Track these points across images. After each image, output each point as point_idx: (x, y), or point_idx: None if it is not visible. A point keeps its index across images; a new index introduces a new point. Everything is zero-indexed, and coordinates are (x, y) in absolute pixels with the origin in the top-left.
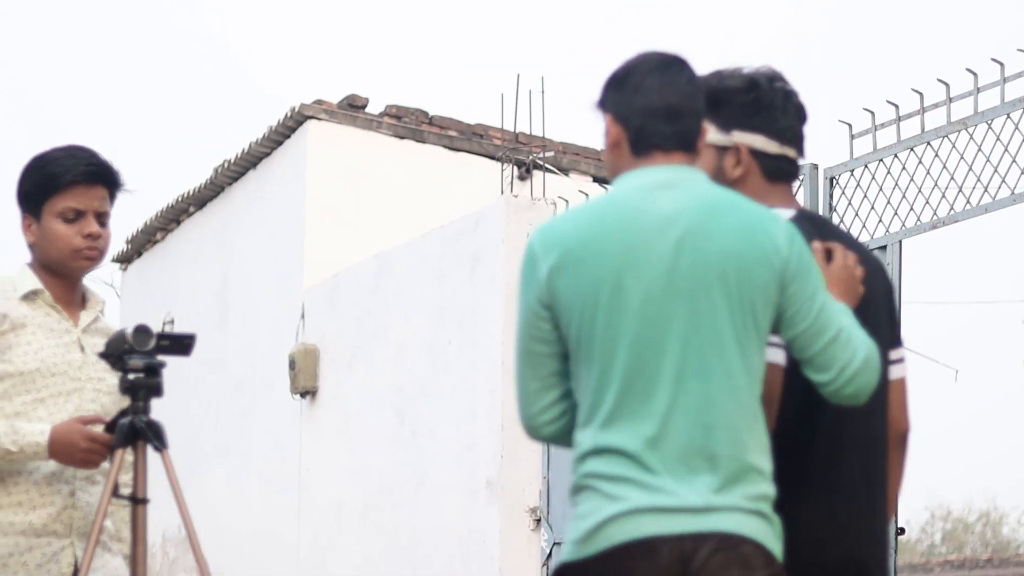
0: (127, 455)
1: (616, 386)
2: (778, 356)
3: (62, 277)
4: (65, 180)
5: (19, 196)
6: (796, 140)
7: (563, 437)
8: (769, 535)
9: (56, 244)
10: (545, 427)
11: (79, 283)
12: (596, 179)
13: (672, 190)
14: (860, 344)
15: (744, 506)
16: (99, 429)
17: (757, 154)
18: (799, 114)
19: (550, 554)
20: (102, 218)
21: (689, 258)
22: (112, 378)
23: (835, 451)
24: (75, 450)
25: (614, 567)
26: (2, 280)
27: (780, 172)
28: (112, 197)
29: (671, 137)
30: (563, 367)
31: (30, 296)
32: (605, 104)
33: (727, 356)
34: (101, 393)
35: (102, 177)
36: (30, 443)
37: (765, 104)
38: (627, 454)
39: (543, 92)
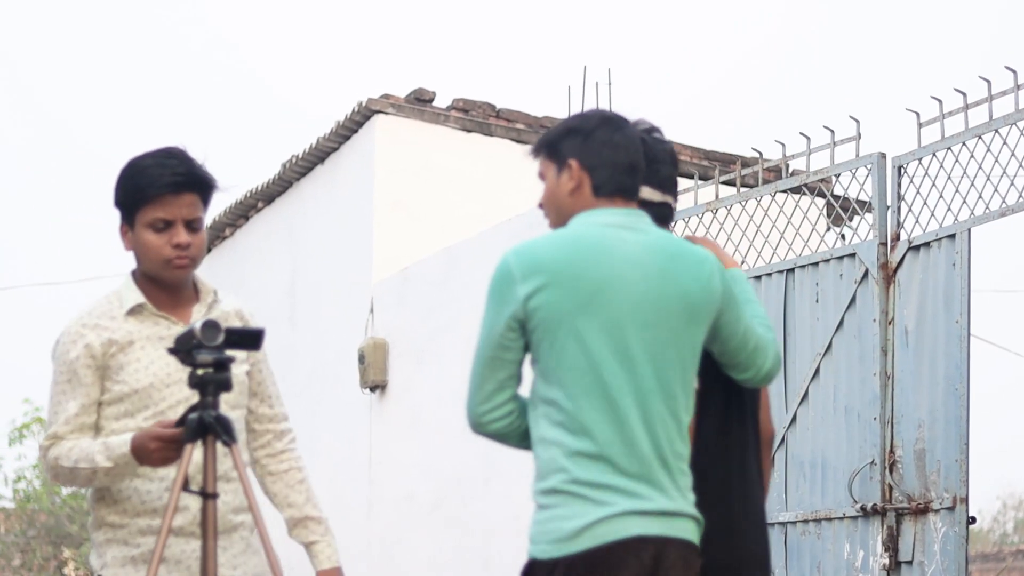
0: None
1: (593, 399)
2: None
3: (162, 282)
4: (152, 192)
5: (115, 204)
6: (673, 186)
7: (508, 434)
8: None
9: (148, 254)
10: (492, 423)
11: (185, 282)
12: None
13: (633, 231)
14: (770, 344)
15: (692, 513)
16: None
17: (644, 203)
18: (674, 161)
19: None
20: (193, 224)
21: (655, 292)
22: (235, 368)
23: (720, 456)
24: (148, 452)
25: (605, 562)
26: (109, 297)
27: (662, 217)
28: (205, 201)
29: (630, 188)
30: (518, 371)
31: (136, 310)
32: (567, 151)
33: (677, 378)
34: None
35: (189, 185)
36: (120, 455)
37: (650, 158)
38: (605, 460)
39: (610, 84)
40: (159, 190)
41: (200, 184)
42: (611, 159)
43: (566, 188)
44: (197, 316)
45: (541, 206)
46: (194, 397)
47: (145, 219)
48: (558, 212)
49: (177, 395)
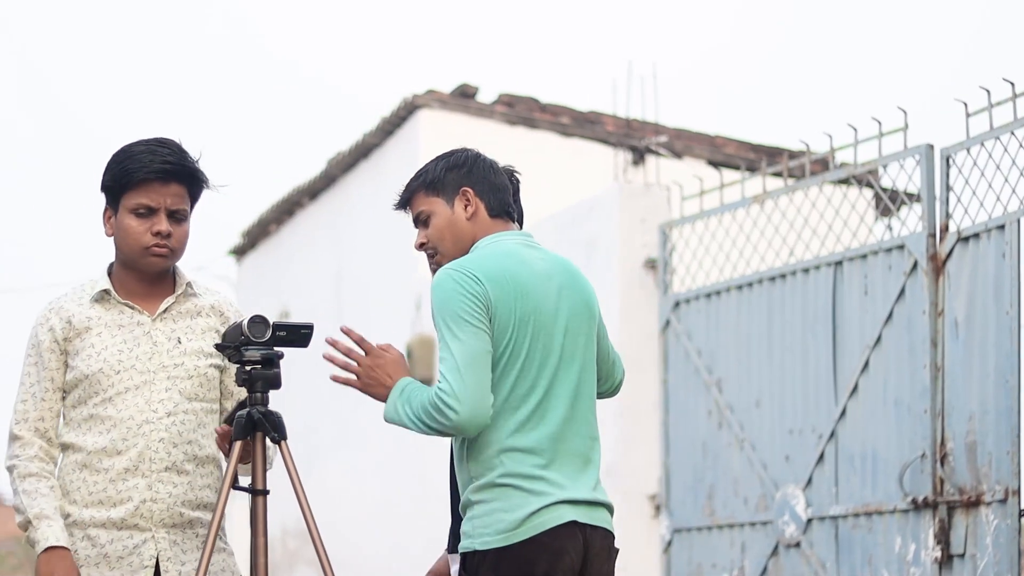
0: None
1: (531, 399)
2: None
3: (137, 271)
4: (139, 176)
5: (101, 187)
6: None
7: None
8: None
9: (127, 240)
10: (485, 423)
11: (161, 274)
12: (711, 163)
13: (535, 249)
14: (619, 358)
15: (609, 503)
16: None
17: None
18: (516, 190)
19: (671, 541)
20: (177, 215)
21: (567, 303)
22: (197, 360)
23: None
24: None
25: (549, 547)
26: (83, 284)
27: None
28: (193, 196)
29: (511, 208)
30: None
31: (101, 297)
32: (456, 182)
33: (591, 380)
34: (178, 380)
35: (177, 175)
36: (30, 539)
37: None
38: (536, 454)
39: (655, 78)
40: (146, 175)
41: (189, 176)
42: (495, 183)
43: (464, 216)
44: (162, 308)
45: (423, 245)
46: (144, 386)
47: (129, 204)
48: (457, 241)
49: (127, 382)
